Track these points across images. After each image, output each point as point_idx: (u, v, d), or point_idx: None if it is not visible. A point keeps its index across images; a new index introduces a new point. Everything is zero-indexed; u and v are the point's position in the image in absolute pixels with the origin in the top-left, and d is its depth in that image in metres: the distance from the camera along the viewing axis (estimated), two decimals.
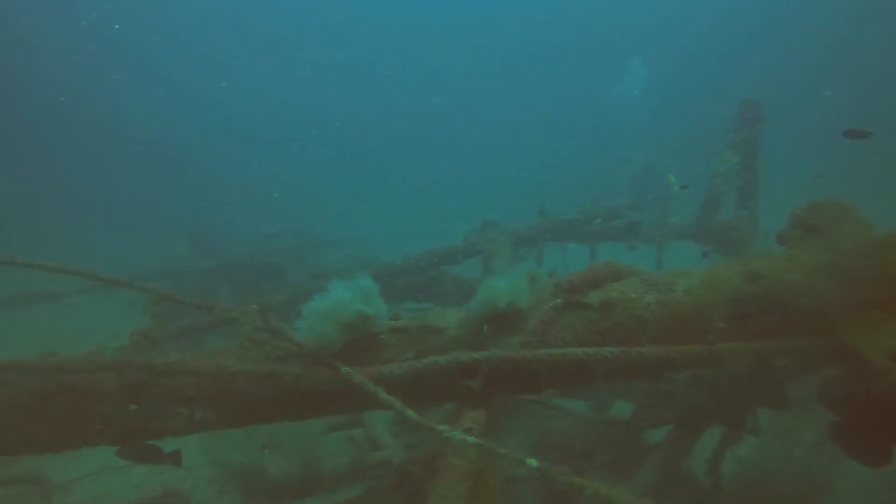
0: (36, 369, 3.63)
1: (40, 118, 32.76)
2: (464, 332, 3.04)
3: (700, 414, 3.67)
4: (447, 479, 2.53)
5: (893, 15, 27.90)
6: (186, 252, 9.88)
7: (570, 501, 3.81)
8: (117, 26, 30.40)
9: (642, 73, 28.02)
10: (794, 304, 2.70)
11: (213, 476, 5.08)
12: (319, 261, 8.40)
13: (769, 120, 7.28)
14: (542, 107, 37.27)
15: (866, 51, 29.16)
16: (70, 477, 5.32)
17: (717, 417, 3.65)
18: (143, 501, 4.74)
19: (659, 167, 9.57)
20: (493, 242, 5.64)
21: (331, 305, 2.93)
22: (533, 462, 2.25)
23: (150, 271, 9.08)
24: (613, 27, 34.90)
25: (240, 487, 4.75)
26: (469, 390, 2.94)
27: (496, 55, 37.04)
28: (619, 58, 29.57)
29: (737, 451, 3.73)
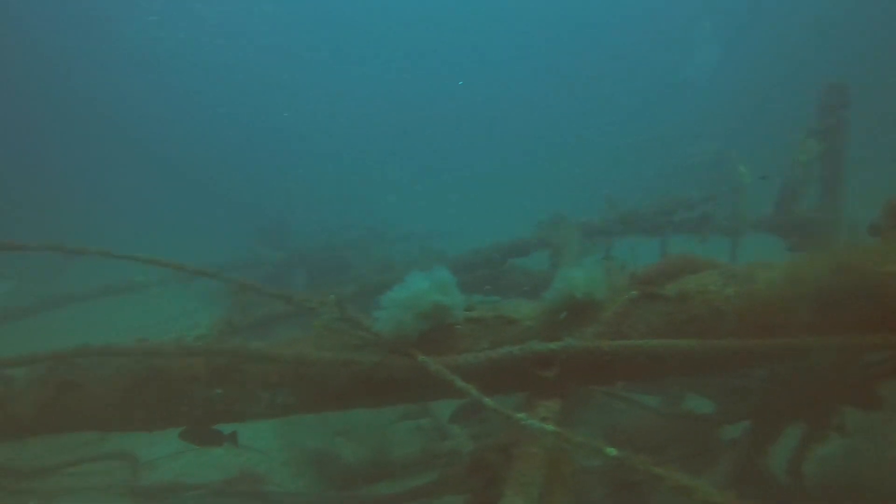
0: (131, 354, 3.88)
1: (131, 114, 34.47)
2: (538, 323, 3.05)
3: (780, 410, 3.57)
4: (524, 466, 2.55)
5: None
6: (257, 246, 10.26)
7: (640, 495, 3.77)
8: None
9: (714, 50, 26.00)
10: (890, 297, 2.58)
11: (287, 460, 5.28)
12: (385, 255, 8.57)
13: (859, 105, 6.85)
14: (602, 96, 36.06)
15: None
16: (154, 456, 5.62)
17: (798, 415, 3.54)
18: (222, 482, 4.96)
19: (731, 157, 9.24)
20: (562, 235, 5.61)
21: (409, 295, 3.00)
22: (612, 451, 2.26)
23: (221, 264, 9.46)
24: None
25: (313, 471, 4.92)
26: (543, 381, 2.96)
27: (547, 40, 35.95)
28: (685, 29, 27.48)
29: (820, 451, 3.59)
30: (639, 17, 34.20)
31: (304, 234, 10.64)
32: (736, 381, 3.78)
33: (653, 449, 3.99)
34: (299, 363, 3.25)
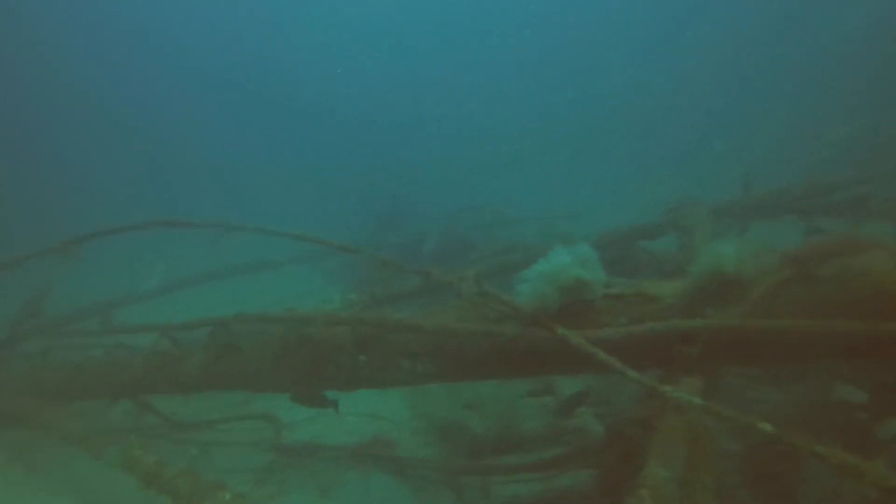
0: (283, 321, 4.24)
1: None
2: (681, 301, 3.02)
3: None
4: (666, 438, 2.57)
5: None
6: (375, 231, 10.71)
7: (782, 486, 3.63)
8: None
9: None
10: None
11: (417, 429, 5.54)
12: (508, 237, 8.65)
13: None
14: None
15: None
16: (294, 419, 6.08)
17: None
18: (356, 445, 5.29)
19: (886, 132, 8.42)
20: (693, 217, 5.44)
21: (552, 269, 3.08)
22: (766, 426, 2.22)
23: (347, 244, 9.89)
24: None
25: (442, 440, 5.14)
26: (684, 358, 2.94)
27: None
28: None
29: None
30: None
31: (423, 217, 10.95)
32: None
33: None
34: (440, 333, 3.42)
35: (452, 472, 4.51)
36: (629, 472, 2.73)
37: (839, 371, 3.81)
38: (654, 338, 2.89)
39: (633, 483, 2.45)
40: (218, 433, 6.07)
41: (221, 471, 5.38)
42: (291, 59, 36.59)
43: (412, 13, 37.43)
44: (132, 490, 4.09)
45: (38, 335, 7.33)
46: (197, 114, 38.03)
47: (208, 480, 3.55)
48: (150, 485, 3.78)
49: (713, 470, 2.70)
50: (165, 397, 5.81)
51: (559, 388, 5.31)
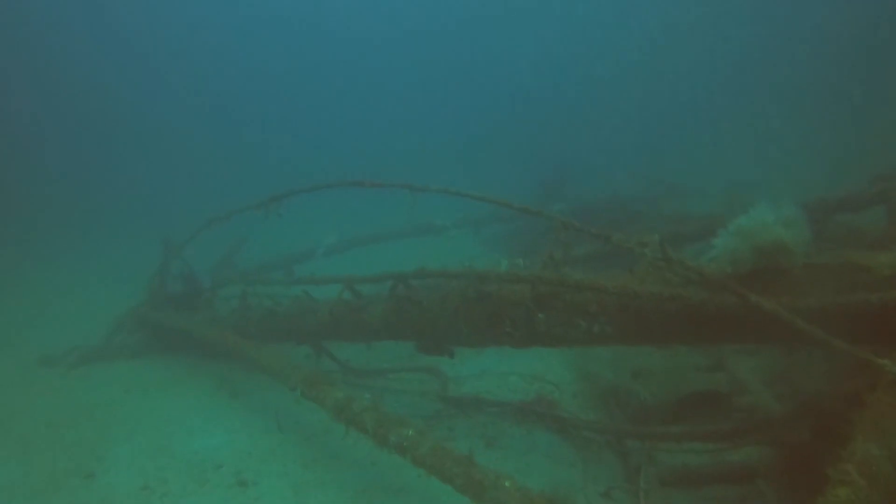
0: (463, 276, 4.48)
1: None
2: None
3: None
4: (880, 414, 2.43)
5: None
6: (540, 195, 10.75)
7: None
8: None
9: None
10: None
11: (579, 391, 5.62)
12: (678, 208, 8.32)
13: None
14: None
15: None
16: (460, 374, 6.40)
17: None
18: (520, 402, 5.47)
19: None
20: None
21: (752, 224, 2.98)
22: None
23: (507, 214, 10.04)
24: None
25: (606, 404, 5.18)
26: None
27: None
28: None
29: None
30: None
31: (590, 187, 10.80)
32: None
33: None
34: (623, 294, 3.45)
35: (617, 435, 4.54)
36: (824, 449, 2.63)
37: None
38: (867, 310, 2.72)
39: (831, 460, 2.36)
40: (388, 381, 6.57)
41: None
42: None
43: None
44: (321, 416, 4.60)
45: (234, 282, 8.32)
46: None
47: (393, 415, 3.88)
48: (338, 416, 4.19)
49: None
50: (339, 347, 6.42)
51: (731, 364, 5.12)
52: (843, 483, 2.10)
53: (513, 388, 5.96)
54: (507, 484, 2.79)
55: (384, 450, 3.65)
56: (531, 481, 3.05)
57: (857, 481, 2.08)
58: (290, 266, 9.44)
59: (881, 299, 2.67)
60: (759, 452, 3.96)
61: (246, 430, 5.35)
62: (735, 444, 4.01)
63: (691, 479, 3.90)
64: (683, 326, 3.35)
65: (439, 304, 4.69)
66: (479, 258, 9.13)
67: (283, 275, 8.86)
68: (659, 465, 4.25)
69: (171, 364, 7.34)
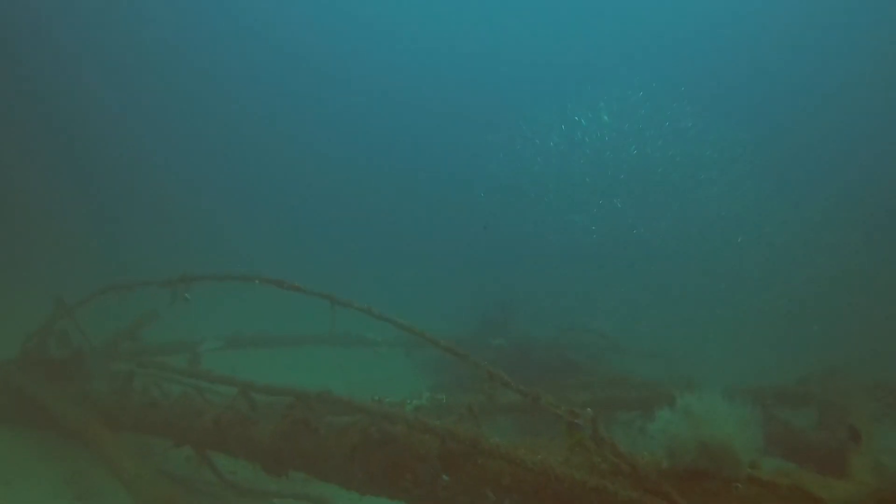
0: (368, 412, 3.91)
1: None
2: None
3: None
4: None
5: None
6: (478, 328, 10.34)
7: None
8: None
9: None
10: None
11: None
12: (620, 368, 7.99)
13: None
14: None
15: None
16: None
17: None
18: None
19: None
20: (845, 395, 4.61)
21: (701, 410, 2.58)
22: None
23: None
24: None
25: None
26: None
27: None
28: None
29: None
30: None
31: (530, 325, 10.49)
32: None
33: None
34: (541, 474, 2.94)
35: None
36: None
37: None
38: None
39: None
40: None
41: None
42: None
43: None
44: None
45: (128, 359, 7.43)
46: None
47: None
48: None
49: None
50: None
51: None
52: None
53: None
54: None
55: None
56: None
57: None
58: (196, 353, 8.57)
59: None
60: None
61: None
62: None
63: None
64: None
65: (337, 436, 4.07)
66: (406, 380, 8.55)
67: (187, 360, 7.99)
68: None
69: (26, 441, 6.29)
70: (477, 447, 3.22)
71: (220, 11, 36.30)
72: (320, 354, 9.64)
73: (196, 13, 35.57)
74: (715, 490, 2.66)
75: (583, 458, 3.00)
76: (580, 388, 5.81)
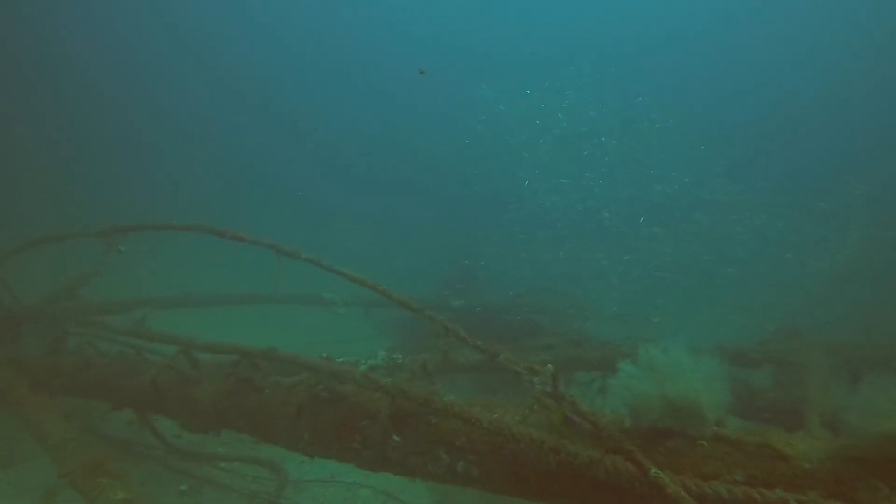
0: (316, 370, 3.67)
1: None
2: (824, 469, 2.28)
3: None
4: None
5: None
6: (439, 290, 10.12)
7: None
8: None
9: None
10: None
11: None
12: (582, 329, 7.89)
13: None
14: None
15: None
16: (304, 476, 5.42)
17: None
18: None
19: None
20: (801, 354, 4.61)
21: (666, 364, 2.42)
22: None
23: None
24: None
25: None
26: None
27: None
28: None
29: None
30: None
31: (492, 287, 10.31)
32: None
33: None
34: (497, 433, 2.76)
35: None
36: None
37: None
38: None
39: None
40: (216, 471, 5.48)
41: None
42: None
43: None
44: None
45: (66, 318, 7.00)
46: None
47: None
48: None
49: None
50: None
51: None
52: None
53: (361, 503, 5.05)
54: None
55: None
56: None
57: None
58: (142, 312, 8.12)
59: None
60: None
61: None
62: None
63: None
64: (564, 487, 2.68)
65: (283, 395, 3.82)
66: (363, 341, 8.30)
67: (127, 319, 7.55)
68: None
69: None
70: (429, 406, 3.01)
71: None
72: (274, 313, 9.32)
73: None
74: (680, 449, 2.53)
75: (542, 417, 2.82)
76: (541, 349, 5.67)
